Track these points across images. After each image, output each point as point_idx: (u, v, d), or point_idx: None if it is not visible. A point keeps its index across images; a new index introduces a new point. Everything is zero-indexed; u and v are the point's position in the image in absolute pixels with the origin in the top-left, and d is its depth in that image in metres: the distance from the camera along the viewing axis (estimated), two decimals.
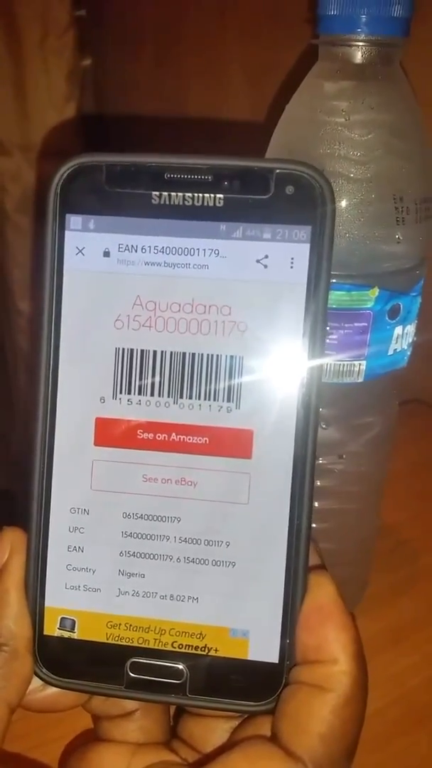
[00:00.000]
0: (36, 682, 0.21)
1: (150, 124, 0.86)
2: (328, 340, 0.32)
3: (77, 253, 0.21)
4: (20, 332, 0.82)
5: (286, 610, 0.20)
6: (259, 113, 0.70)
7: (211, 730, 0.22)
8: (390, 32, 0.29)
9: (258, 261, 0.20)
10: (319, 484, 0.36)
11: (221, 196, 0.20)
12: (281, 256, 0.20)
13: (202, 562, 0.21)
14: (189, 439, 0.21)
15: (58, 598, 0.21)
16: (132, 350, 0.21)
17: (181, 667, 0.21)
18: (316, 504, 0.36)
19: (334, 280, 0.31)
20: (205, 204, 0.20)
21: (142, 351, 0.21)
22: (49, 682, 0.21)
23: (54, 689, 0.22)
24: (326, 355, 0.31)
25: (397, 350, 0.33)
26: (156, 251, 0.20)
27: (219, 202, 0.20)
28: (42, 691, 0.22)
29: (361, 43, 0.29)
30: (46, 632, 0.21)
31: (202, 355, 0.20)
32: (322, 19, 0.30)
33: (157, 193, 0.20)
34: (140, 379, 0.21)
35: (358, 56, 0.30)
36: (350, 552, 0.39)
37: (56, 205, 0.20)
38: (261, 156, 0.33)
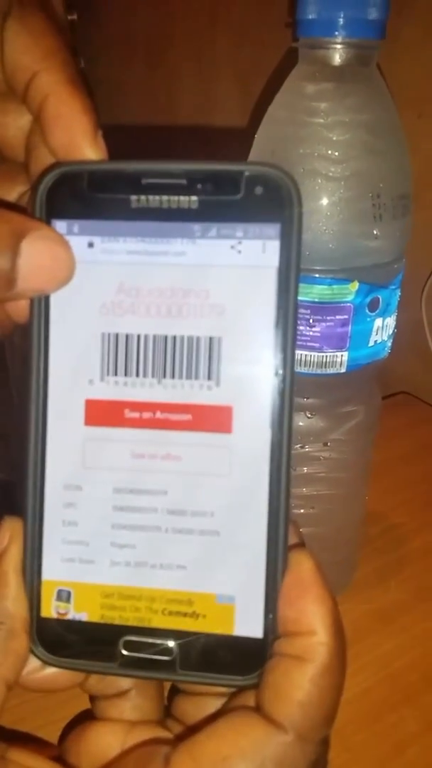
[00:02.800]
0: (35, 663, 0.22)
1: (141, 127, 0.87)
2: (311, 333, 0.33)
3: None
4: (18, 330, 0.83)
5: (268, 582, 0.21)
6: (247, 113, 0.71)
7: (203, 708, 0.23)
8: (367, 35, 0.31)
9: (232, 247, 0.21)
10: (306, 470, 0.37)
11: (195, 198, 0.21)
12: (253, 251, 0.21)
13: (188, 532, 0.22)
14: (173, 416, 0.22)
15: (54, 571, 0.22)
16: (117, 334, 0.22)
17: (171, 644, 0.22)
18: (303, 490, 0.38)
19: (316, 275, 0.32)
20: (181, 206, 0.21)
21: (126, 335, 0.22)
22: (47, 662, 0.22)
23: (52, 669, 0.22)
24: (305, 339, 0.32)
25: (378, 341, 0.34)
26: (136, 252, 0.22)
27: (193, 204, 0.21)
28: (40, 671, 0.22)
29: (338, 46, 0.31)
30: (43, 614, 0.22)
31: (182, 337, 0.22)
32: (301, 22, 0.31)
33: (136, 197, 0.21)
34: (125, 361, 0.22)
35: (336, 58, 0.31)
36: (337, 536, 0.40)
37: (42, 211, 0.22)
38: (243, 158, 0.34)
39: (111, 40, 0.93)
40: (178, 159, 0.21)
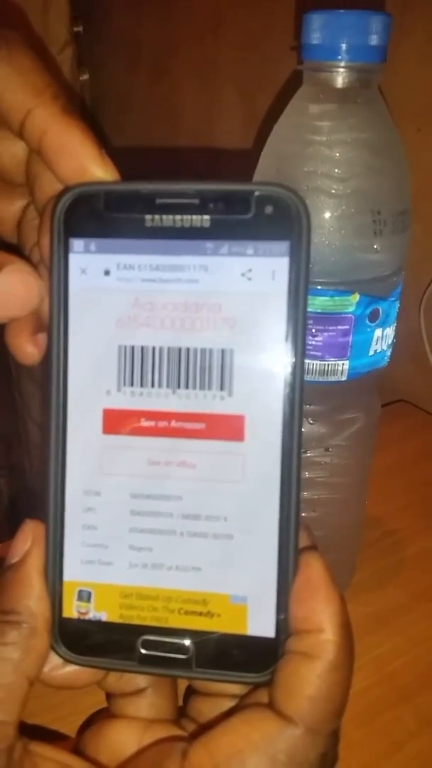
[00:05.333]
0: (57, 660, 0.23)
1: (145, 137, 0.88)
2: (314, 342, 0.34)
3: (81, 273, 0.23)
4: None
5: (280, 583, 0.22)
6: (250, 126, 0.72)
7: (218, 708, 0.24)
8: (368, 59, 0.32)
9: (243, 275, 0.22)
10: (307, 475, 0.39)
11: (207, 217, 0.22)
12: (263, 269, 0.22)
13: (202, 535, 0.23)
14: (187, 425, 0.23)
15: (75, 572, 0.23)
16: (133, 347, 0.23)
17: (187, 643, 0.23)
18: (305, 494, 0.39)
19: (318, 287, 0.33)
20: (193, 225, 0.22)
21: (142, 347, 0.23)
22: (68, 660, 0.23)
23: (73, 667, 0.23)
24: (308, 348, 0.34)
25: (378, 351, 0.36)
26: (151, 269, 0.23)
27: (205, 223, 0.22)
28: (62, 668, 0.23)
29: (341, 69, 0.32)
30: (65, 614, 0.23)
31: (196, 349, 0.23)
32: (305, 47, 0.32)
33: (150, 216, 0.22)
34: (141, 372, 0.23)
35: (339, 81, 0.32)
36: (337, 539, 0.41)
37: (60, 229, 0.23)
38: (248, 175, 0.35)
39: (115, 52, 0.95)
40: (186, 179, 0.22)
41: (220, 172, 0.67)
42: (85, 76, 0.94)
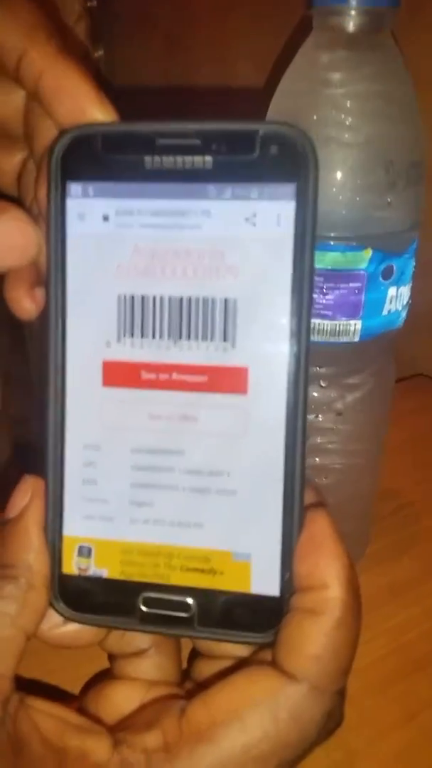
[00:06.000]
0: (57, 618, 0.23)
1: (159, 111, 0.87)
2: (324, 301, 0.33)
3: (78, 219, 0.22)
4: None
5: (284, 541, 0.22)
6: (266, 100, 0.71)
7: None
8: (381, 2, 0.31)
9: (247, 219, 0.21)
10: (319, 441, 0.38)
11: (209, 158, 0.21)
12: (268, 214, 0.21)
13: (205, 491, 0.22)
14: (189, 377, 0.22)
15: (75, 528, 0.23)
16: (133, 296, 0.22)
17: (189, 601, 0.22)
18: (317, 460, 0.38)
19: (329, 242, 0.32)
20: (195, 166, 0.21)
21: (142, 296, 0.22)
22: (68, 618, 0.23)
23: (74, 625, 0.23)
24: (318, 307, 0.33)
25: (392, 311, 0.34)
26: (151, 214, 0.22)
27: (208, 164, 0.21)
28: (62, 626, 0.23)
29: (353, 13, 0.31)
30: (64, 570, 0.23)
31: (198, 298, 0.22)
32: None
33: (150, 157, 0.21)
34: (142, 323, 0.22)
35: (351, 26, 0.31)
36: (349, 508, 0.40)
37: (57, 173, 0.22)
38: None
39: (129, 26, 0.94)
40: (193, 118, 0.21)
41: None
42: (100, 52, 0.93)
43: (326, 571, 0.21)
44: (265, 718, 0.20)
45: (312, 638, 0.20)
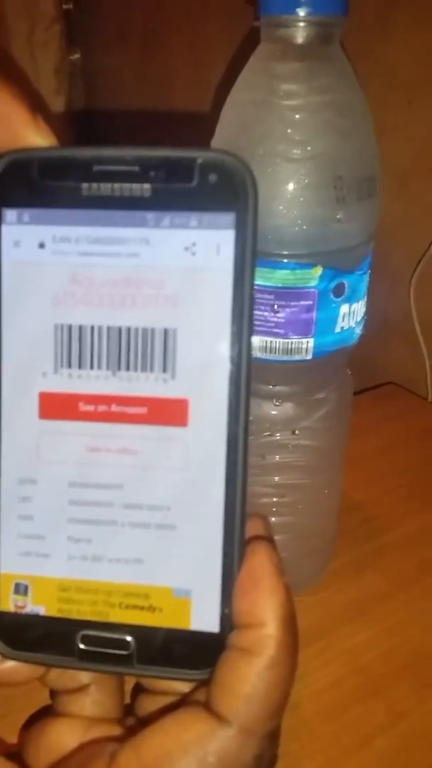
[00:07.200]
0: None
1: (137, 116, 0.86)
2: (275, 319, 0.33)
3: (14, 246, 0.21)
4: None
5: (225, 576, 0.21)
6: None
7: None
8: (329, 11, 0.30)
9: (186, 248, 0.21)
10: (277, 458, 0.37)
11: (148, 185, 0.20)
12: (208, 243, 0.21)
13: (145, 526, 0.22)
14: (129, 409, 0.21)
15: (11, 564, 0.22)
16: (70, 326, 0.21)
17: (129, 639, 0.22)
18: (275, 478, 0.37)
19: (278, 259, 0.32)
20: (133, 194, 0.20)
21: (80, 326, 0.21)
22: (5, 655, 0.22)
23: (11, 662, 0.22)
24: (270, 326, 0.32)
25: (345, 328, 0.34)
26: (89, 242, 0.21)
27: (146, 192, 0.20)
28: (0, 663, 0.23)
29: (301, 23, 0.30)
30: (1, 607, 0.22)
31: (137, 328, 0.21)
32: (262, 0, 0.30)
33: (87, 184, 0.21)
34: (80, 353, 0.22)
35: (299, 36, 0.30)
36: (311, 525, 0.40)
37: None
38: (206, 144, 0.34)
39: (107, 29, 0.93)
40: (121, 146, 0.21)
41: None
42: (77, 55, 0.93)
43: (264, 608, 0.20)
44: (193, 763, 0.19)
45: (244, 679, 0.20)
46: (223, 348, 0.21)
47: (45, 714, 0.25)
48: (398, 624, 0.40)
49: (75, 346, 0.22)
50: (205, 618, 0.21)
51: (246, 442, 0.21)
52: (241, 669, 0.20)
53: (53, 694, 0.25)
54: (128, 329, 0.21)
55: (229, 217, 0.20)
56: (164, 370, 0.21)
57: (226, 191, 0.20)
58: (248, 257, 0.20)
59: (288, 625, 0.20)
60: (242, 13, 0.74)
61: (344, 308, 0.33)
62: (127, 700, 0.25)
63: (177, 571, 0.22)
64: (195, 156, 0.20)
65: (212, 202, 0.20)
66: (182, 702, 0.22)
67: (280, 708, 0.20)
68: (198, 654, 0.21)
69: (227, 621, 0.21)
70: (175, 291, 0.21)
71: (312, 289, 0.32)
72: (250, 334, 0.21)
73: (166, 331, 0.21)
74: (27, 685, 0.23)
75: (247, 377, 0.21)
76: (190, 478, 0.21)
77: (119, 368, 0.21)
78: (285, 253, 0.31)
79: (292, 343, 0.33)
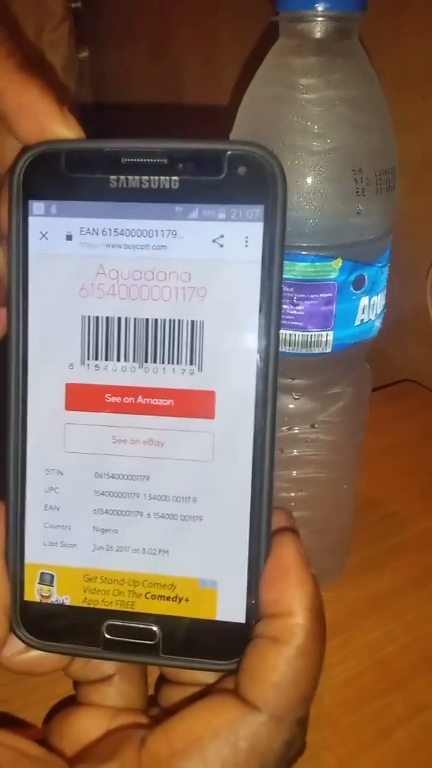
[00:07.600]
0: (19, 645, 0.22)
1: (146, 112, 0.86)
2: (295, 311, 0.33)
3: (41, 238, 0.22)
4: None
5: (251, 567, 0.21)
6: None
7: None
8: (347, 7, 0.30)
9: (214, 240, 0.21)
10: (295, 453, 0.37)
11: (176, 178, 0.20)
12: (236, 235, 0.21)
13: (170, 517, 0.22)
14: (155, 401, 0.22)
15: (37, 555, 0.22)
16: (97, 317, 0.22)
17: (154, 628, 0.22)
18: (293, 473, 0.37)
19: (298, 252, 0.32)
20: (162, 186, 0.21)
21: (107, 318, 0.22)
22: (30, 645, 0.22)
23: (36, 652, 0.23)
24: (289, 318, 0.32)
25: (364, 321, 0.34)
26: (116, 234, 0.21)
27: (174, 184, 0.20)
28: (25, 653, 0.23)
29: (319, 19, 0.30)
30: (26, 597, 0.22)
31: (164, 320, 0.21)
32: None
33: (115, 177, 0.21)
34: (106, 345, 0.22)
35: (317, 31, 0.30)
36: (328, 520, 0.39)
37: (19, 191, 0.21)
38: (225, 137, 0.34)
39: (115, 28, 0.93)
40: (164, 138, 0.21)
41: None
42: (85, 53, 0.93)
43: (292, 598, 0.20)
44: (224, 748, 0.19)
45: (273, 666, 0.20)
46: (251, 340, 0.21)
47: (67, 705, 0.25)
48: (415, 619, 0.40)
49: (101, 337, 0.22)
50: (231, 608, 0.21)
51: (273, 435, 0.21)
52: (270, 657, 0.20)
53: (77, 684, 0.25)
54: (155, 321, 0.21)
55: (257, 210, 0.20)
56: (191, 362, 0.21)
57: (255, 184, 0.20)
58: (277, 250, 0.20)
59: (316, 615, 0.20)
60: (251, 8, 0.74)
61: (364, 301, 0.33)
62: (151, 692, 0.25)
63: (203, 562, 0.22)
64: (224, 148, 0.20)
65: (241, 194, 0.20)
66: (208, 691, 0.22)
67: (309, 696, 0.21)
68: (223, 644, 0.21)
69: (253, 611, 0.21)
70: (202, 283, 0.21)
71: (332, 282, 0.32)
72: (278, 327, 0.21)
73: (193, 323, 0.21)
74: (48, 676, 0.23)
75: (275, 370, 0.21)
76: (216, 470, 0.21)
77: (146, 360, 0.21)
78: (305, 245, 0.31)
79: (311, 335, 0.33)
